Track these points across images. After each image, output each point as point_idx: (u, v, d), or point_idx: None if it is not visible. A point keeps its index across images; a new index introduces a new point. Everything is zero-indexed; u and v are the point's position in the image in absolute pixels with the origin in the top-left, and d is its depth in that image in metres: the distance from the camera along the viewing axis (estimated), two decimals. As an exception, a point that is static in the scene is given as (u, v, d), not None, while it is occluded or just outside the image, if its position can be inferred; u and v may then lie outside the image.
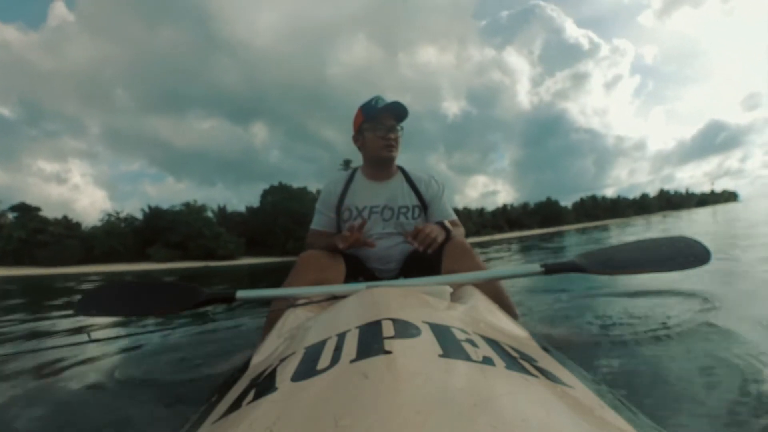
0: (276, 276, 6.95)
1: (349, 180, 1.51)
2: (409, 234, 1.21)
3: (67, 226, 36.20)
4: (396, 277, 1.40)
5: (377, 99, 1.42)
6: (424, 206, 1.47)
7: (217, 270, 15.11)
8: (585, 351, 1.11)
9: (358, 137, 1.48)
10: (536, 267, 0.94)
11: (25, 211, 35.50)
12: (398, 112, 1.40)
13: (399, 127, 1.43)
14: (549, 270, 0.94)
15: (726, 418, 0.70)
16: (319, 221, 1.53)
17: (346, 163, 52.31)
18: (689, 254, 0.95)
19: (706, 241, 1.02)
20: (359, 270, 1.37)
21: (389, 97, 1.45)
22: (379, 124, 1.40)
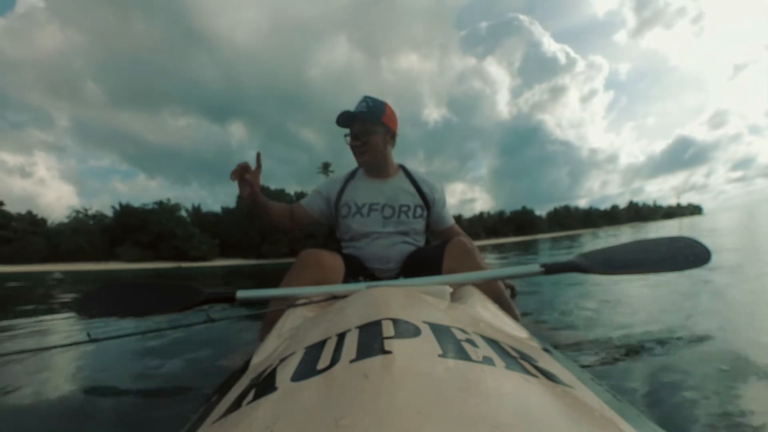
0: (252, 282, 6.75)
1: (351, 176, 1.51)
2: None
3: (32, 222, 34.89)
4: (396, 276, 1.39)
5: (360, 100, 1.41)
6: (427, 206, 1.47)
7: (189, 272, 14.92)
8: (585, 351, 1.11)
9: None
10: (536, 267, 0.94)
11: None
12: (361, 117, 1.38)
13: (371, 131, 1.38)
14: (549, 270, 0.93)
15: (725, 418, 0.71)
16: (308, 201, 1.53)
17: (325, 166, 52.25)
18: (690, 254, 0.95)
19: None
20: (359, 270, 1.37)
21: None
22: (351, 128, 1.41)
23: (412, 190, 1.47)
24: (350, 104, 1.47)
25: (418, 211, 1.45)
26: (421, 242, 1.49)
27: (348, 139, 1.43)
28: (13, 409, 1.01)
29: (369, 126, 1.39)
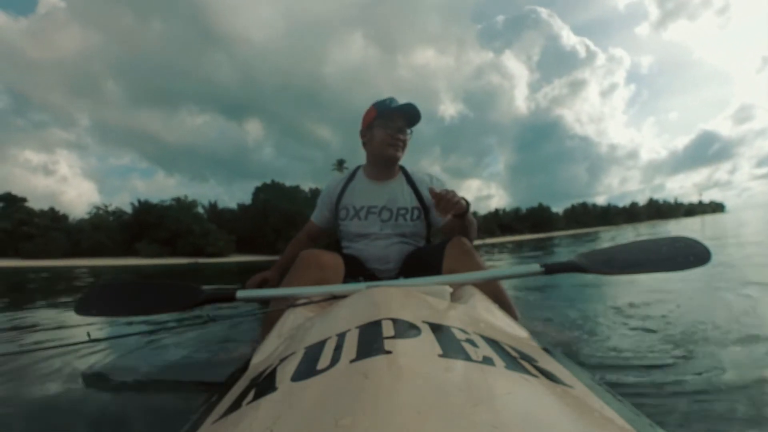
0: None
1: (350, 178, 1.51)
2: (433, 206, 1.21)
3: (54, 218, 35.34)
4: (396, 276, 1.39)
5: (392, 99, 1.43)
6: (424, 208, 1.47)
7: (205, 267, 15.03)
8: (585, 351, 1.11)
9: (366, 133, 1.45)
10: (536, 267, 0.94)
11: (11, 202, 34.50)
12: (412, 115, 1.41)
13: (409, 131, 1.43)
14: (549, 270, 0.93)
15: (725, 418, 0.71)
16: (317, 215, 1.56)
17: (340, 163, 52.36)
18: (689, 254, 0.95)
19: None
20: (359, 270, 1.37)
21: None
22: (390, 122, 1.40)
23: (411, 192, 1.47)
24: (366, 101, 1.50)
25: (416, 213, 1.45)
26: (421, 243, 1.49)
27: (382, 127, 1.41)
28: (13, 409, 1.01)
29: (411, 126, 1.43)
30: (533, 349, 0.46)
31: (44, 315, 2.96)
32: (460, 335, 0.38)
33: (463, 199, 1.22)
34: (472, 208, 1.31)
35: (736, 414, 0.72)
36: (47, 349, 1.49)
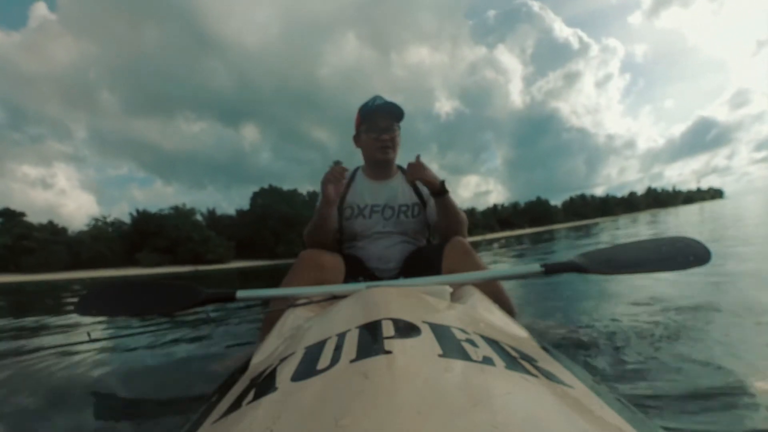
0: (266, 280, 6.92)
1: (351, 179, 1.52)
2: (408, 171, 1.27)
3: (53, 232, 35.68)
4: (396, 276, 1.40)
5: (375, 99, 1.42)
6: (423, 204, 1.47)
7: (206, 274, 15.11)
8: (585, 351, 1.11)
9: (358, 138, 1.48)
10: (536, 267, 0.94)
11: (10, 217, 34.90)
12: (392, 112, 1.39)
13: (396, 127, 1.42)
14: (549, 270, 0.93)
15: (726, 418, 0.71)
16: None
17: (336, 165, 52.63)
18: (689, 254, 0.95)
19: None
20: (359, 270, 1.37)
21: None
22: (373, 124, 1.40)
23: (410, 190, 1.48)
24: (362, 101, 1.47)
25: (416, 209, 1.45)
26: (422, 242, 1.50)
27: (366, 131, 1.41)
28: (13, 409, 1.01)
29: (396, 122, 1.41)
30: (533, 349, 0.46)
31: (45, 316, 2.96)
32: (460, 335, 0.38)
33: (440, 180, 1.31)
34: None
35: (738, 413, 0.72)
36: (48, 349, 1.50)
